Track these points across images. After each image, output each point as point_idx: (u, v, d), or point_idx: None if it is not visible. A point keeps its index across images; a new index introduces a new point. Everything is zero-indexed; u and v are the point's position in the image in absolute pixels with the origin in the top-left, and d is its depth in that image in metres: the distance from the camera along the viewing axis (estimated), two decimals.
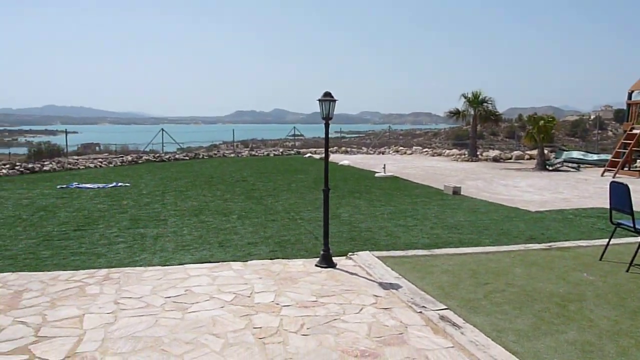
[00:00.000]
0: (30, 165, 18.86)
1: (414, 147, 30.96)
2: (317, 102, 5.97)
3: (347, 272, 5.93)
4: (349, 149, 30.14)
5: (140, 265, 6.17)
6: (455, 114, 25.55)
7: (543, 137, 20.16)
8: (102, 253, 6.78)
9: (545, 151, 21.32)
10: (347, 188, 13.18)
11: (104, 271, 5.93)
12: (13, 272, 5.91)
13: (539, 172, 18.76)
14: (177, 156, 24.81)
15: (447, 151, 28.21)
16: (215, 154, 27.02)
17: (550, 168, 19.85)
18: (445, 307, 4.81)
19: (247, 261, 6.37)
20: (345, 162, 20.93)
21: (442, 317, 4.55)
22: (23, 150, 27.92)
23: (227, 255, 6.63)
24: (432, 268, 6.07)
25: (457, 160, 24.19)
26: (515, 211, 10.09)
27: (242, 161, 22.94)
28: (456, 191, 12.31)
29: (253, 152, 27.93)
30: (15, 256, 6.63)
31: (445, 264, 6.25)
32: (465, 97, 24.99)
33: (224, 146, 33.44)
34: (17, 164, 19.36)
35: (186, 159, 24.15)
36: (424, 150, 30.01)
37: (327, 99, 5.94)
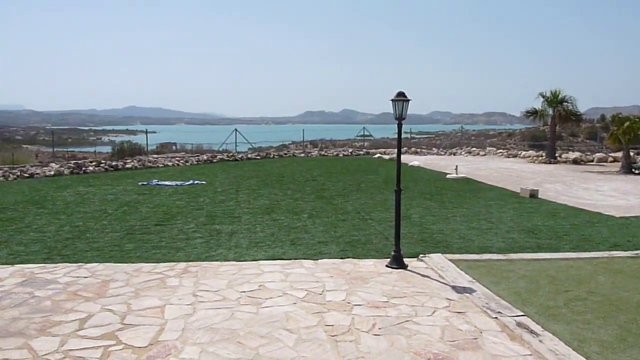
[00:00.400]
0: (114, 163, 20.04)
1: (488, 148, 30.00)
2: (390, 102, 5.94)
3: (418, 274, 5.86)
4: (418, 150, 29.70)
5: (217, 260, 6.40)
6: (533, 113, 24.49)
7: (629, 139, 18.92)
8: (180, 247, 7.10)
9: (631, 153, 19.99)
10: (418, 189, 12.99)
11: (182, 265, 6.20)
12: (100, 262, 6.32)
13: (623, 176, 17.61)
14: (249, 155, 25.49)
15: (523, 152, 27.11)
16: (286, 154, 27.50)
17: (637, 171, 18.58)
18: (522, 313, 4.64)
19: (318, 259, 6.44)
20: (416, 163, 20.64)
21: (519, 324, 4.39)
22: (107, 149, 29.75)
23: (299, 253, 6.73)
24: (508, 273, 5.87)
25: (534, 162, 23.19)
26: (598, 216, 9.54)
27: (312, 161, 23.19)
28: (533, 194, 11.81)
29: (322, 152, 28.16)
30: (102, 248, 7.08)
31: (522, 269, 6.02)
32: (543, 96, 23.89)
33: (293, 146, 33.97)
34: (102, 161, 20.65)
35: (258, 159, 24.74)
36: (498, 151, 29.00)
37: (401, 98, 5.89)
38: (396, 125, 6.03)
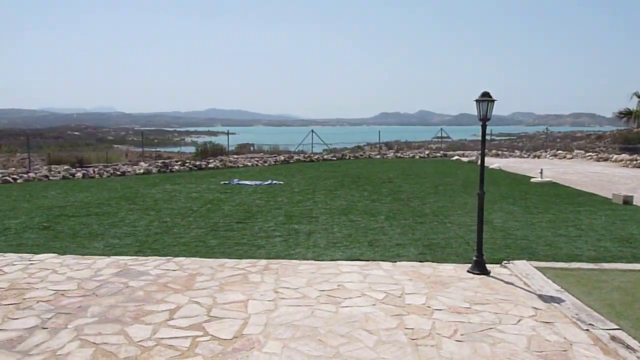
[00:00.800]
0: (197, 163, 20.96)
1: (575, 151, 28.37)
2: (474, 102, 5.78)
3: (502, 280, 5.66)
4: (499, 152, 28.65)
5: (296, 259, 6.52)
6: (627, 114, 22.96)
7: None
8: (261, 245, 7.30)
9: None
10: (499, 193, 12.54)
11: (263, 262, 6.38)
12: (187, 257, 6.63)
13: None
14: (324, 157, 25.73)
15: (615, 156, 25.38)
16: (361, 155, 27.50)
17: None
18: (617, 327, 4.36)
19: (396, 262, 6.39)
20: (496, 166, 19.92)
21: (613, 338, 4.13)
22: (190, 149, 31.15)
23: (376, 255, 6.72)
24: (601, 284, 5.53)
25: (627, 167, 21.65)
26: None
27: (388, 163, 23.02)
28: (627, 200, 11.03)
29: (398, 154, 27.89)
30: (188, 243, 7.43)
31: (616, 280, 5.65)
32: (638, 96, 22.28)
33: (367, 147, 33.88)
34: (187, 161, 21.65)
35: (333, 160, 24.92)
36: (587, 154, 27.35)
37: (486, 99, 5.72)
38: (477, 127, 5.86)
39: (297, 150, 28.46)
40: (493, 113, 5.84)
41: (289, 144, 30.45)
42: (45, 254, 6.81)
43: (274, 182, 15.03)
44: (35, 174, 17.55)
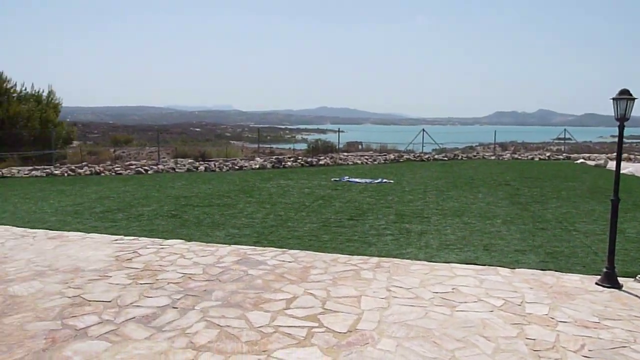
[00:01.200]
0: (309, 159, 21.52)
1: None
2: (611, 100, 5.33)
3: (636, 296, 5.17)
4: (632, 156, 26.10)
5: (407, 258, 6.46)
6: None
7: None
8: (372, 242, 7.33)
9: None
10: (632, 200, 11.43)
11: (375, 259, 6.40)
12: (301, 250, 6.85)
13: None
14: (435, 156, 25.17)
15: None
16: (475, 156, 26.51)
17: None
18: None
19: (514, 268, 6.09)
20: (627, 171, 18.16)
21: None
22: (301, 146, 32.04)
23: (493, 260, 6.44)
24: None
25: None
26: None
27: (504, 164, 21.95)
28: None
29: (515, 156, 26.49)
30: (302, 237, 7.66)
31: None
32: None
33: (480, 148, 32.56)
34: (299, 158, 22.31)
35: (445, 160, 24.29)
36: None
37: (624, 97, 5.25)
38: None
39: (406, 149, 28.14)
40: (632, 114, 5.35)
41: (397, 143, 30.20)
42: (174, 240, 7.40)
43: (384, 180, 14.99)
44: (164, 166, 19.12)
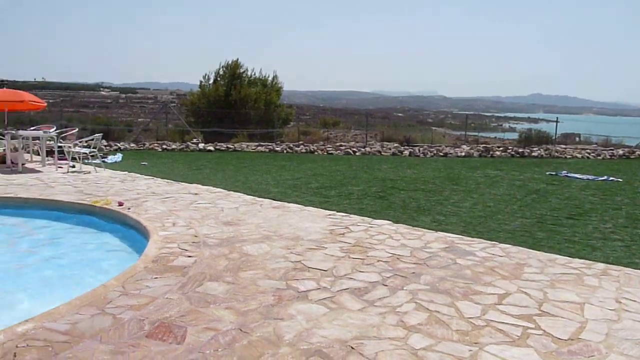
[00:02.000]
0: (520, 150, 20.14)
1: None
2: None
3: None
4: None
5: None
6: None
7: None
8: (596, 246, 6.58)
9: None
10: None
11: (601, 265, 5.73)
12: (512, 245, 6.47)
13: None
14: None
15: None
16: None
17: None
18: None
19: None
20: None
21: None
22: (508, 136, 30.07)
23: None
24: None
25: None
26: None
27: None
28: None
29: None
30: (513, 231, 7.24)
31: None
32: None
33: None
34: (509, 147, 21.03)
35: None
36: None
37: None
38: None
39: (638, 145, 24.42)
40: None
41: (625, 137, 26.35)
42: (382, 220, 7.63)
43: (611, 178, 13.26)
44: (371, 148, 19.82)
